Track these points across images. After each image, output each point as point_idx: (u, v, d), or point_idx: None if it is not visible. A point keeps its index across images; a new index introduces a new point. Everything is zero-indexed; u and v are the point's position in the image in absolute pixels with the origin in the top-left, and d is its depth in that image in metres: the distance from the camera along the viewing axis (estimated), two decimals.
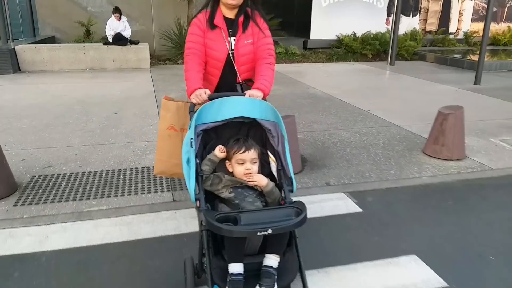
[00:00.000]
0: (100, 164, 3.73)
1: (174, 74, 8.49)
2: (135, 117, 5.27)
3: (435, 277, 2.22)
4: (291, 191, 1.80)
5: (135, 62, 9.16)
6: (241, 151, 1.82)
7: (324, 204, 3.03)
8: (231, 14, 2.24)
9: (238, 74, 2.25)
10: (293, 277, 1.67)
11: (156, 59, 10.54)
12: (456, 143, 3.93)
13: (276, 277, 1.61)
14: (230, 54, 2.22)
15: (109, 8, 10.15)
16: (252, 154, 1.82)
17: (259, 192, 1.81)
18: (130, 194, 3.14)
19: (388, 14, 13.29)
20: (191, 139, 1.79)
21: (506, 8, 15.44)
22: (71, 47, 9.03)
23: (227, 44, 2.22)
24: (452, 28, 14.38)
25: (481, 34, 14.93)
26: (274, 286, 1.59)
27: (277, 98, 6.31)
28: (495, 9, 15.46)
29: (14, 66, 8.36)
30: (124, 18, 9.37)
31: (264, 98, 2.08)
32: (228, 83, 2.26)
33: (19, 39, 11.83)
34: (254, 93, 2.05)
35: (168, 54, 10.75)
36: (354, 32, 12.49)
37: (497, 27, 15.30)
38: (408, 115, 5.54)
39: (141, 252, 2.40)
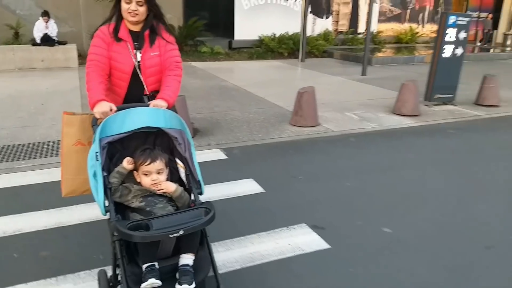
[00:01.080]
0: (27, 139, 4.67)
1: None
2: (60, 106, 6.17)
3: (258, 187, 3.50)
4: (200, 193, 1.95)
5: (63, 61, 9.90)
6: (146, 163, 1.87)
7: (203, 156, 4.23)
8: (136, 28, 2.28)
9: (145, 86, 2.29)
10: (207, 273, 1.83)
11: (85, 58, 11.27)
12: (310, 114, 5.33)
13: (193, 273, 1.73)
14: (136, 67, 2.26)
15: (37, 11, 10.73)
16: (157, 164, 1.88)
17: (169, 198, 1.90)
18: (52, 156, 4.15)
19: (304, 17, 14.96)
20: (96, 152, 1.83)
21: (409, 10, 17.75)
22: (0, 49, 9.58)
23: (133, 57, 2.25)
24: (361, 28, 16.35)
25: (385, 33, 17.20)
26: (192, 282, 1.69)
27: (192, 89, 7.47)
28: (399, 11, 17.83)
29: None
30: (51, 20, 10.06)
31: (170, 108, 2.14)
32: (135, 95, 2.29)
33: None
34: (158, 103, 2.11)
35: None
36: (274, 33, 13.96)
37: (401, 27, 17.59)
38: (293, 99, 6.94)
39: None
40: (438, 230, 2.95)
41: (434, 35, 17.52)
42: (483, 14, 21.87)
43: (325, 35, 14.90)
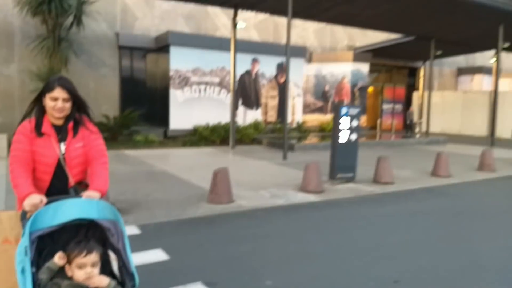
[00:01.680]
0: None
1: None
2: None
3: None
4: (134, 286, 1.95)
5: None
6: (82, 255, 1.84)
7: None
8: (59, 122, 2.33)
9: (70, 177, 2.30)
10: None
11: None
12: (224, 192, 6.04)
13: None
14: (61, 159, 2.27)
15: None
16: (93, 257, 1.86)
17: None
18: None
19: (236, 108, 16.48)
20: (26, 246, 1.79)
21: (329, 103, 20.07)
22: None
23: (57, 149, 2.27)
24: (288, 119, 18.14)
25: (311, 123, 19.11)
26: None
27: (119, 174, 7.96)
28: (321, 103, 20.15)
29: None
30: None
31: (102, 198, 2.16)
32: (58, 187, 2.28)
33: None
34: (91, 194, 2.11)
35: None
36: (207, 123, 15.14)
37: (324, 118, 19.72)
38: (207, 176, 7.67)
39: None
40: (320, 285, 3.59)
41: None
42: (397, 106, 25.24)
43: (255, 125, 16.35)
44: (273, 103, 17.92)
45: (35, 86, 12.33)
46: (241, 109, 16.86)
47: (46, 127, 2.30)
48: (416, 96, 23.63)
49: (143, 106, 15.47)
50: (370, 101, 24.51)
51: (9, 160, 2.24)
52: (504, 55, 26.87)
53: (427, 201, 6.73)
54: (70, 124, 2.33)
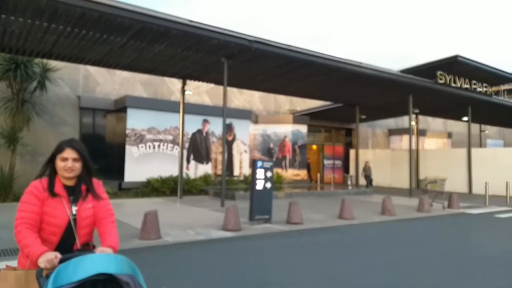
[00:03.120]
0: None
1: None
2: None
3: None
4: None
5: None
6: None
7: None
8: (70, 182, 2.34)
9: (77, 239, 2.29)
10: None
11: None
12: (153, 229, 7.10)
13: None
14: (71, 220, 2.27)
15: None
16: None
17: None
18: None
19: (188, 162, 17.72)
20: None
21: (275, 158, 21.69)
22: None
23: (68, 211, 2.27)
24: (236, 172, 19.50)
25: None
26: None
27: None
28: (267, 159, 21.72)
29: None
30: None
31: None
32: (65, 249, 2.24)
33: None
34: (105, 250, 2.12)
35: None
36: (160, 175, 16.16)
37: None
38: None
39: None
40: None
41: (296, 177, 21.49)
42: (337, 162, 27.32)
43: (205, 177, 17.52)
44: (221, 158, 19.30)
45: None
46: (192, 163, 18.06)
47: (58, 188, 2.30)
48: (352, 153, 25.85)
49: (101, 160, 16.34)
50: (313, 157, 26.57)
51: (16, 221, 2.18)
52: (430, 119, 30.35)
53: (320, 236, 8.06)
54: (83, 186, 2.35)
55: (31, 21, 8.60)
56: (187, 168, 17.70)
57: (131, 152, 16.14)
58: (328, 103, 21.37)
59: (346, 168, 26.86)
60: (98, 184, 2.46)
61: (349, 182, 21.31)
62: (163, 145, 17.06)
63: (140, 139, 16.42)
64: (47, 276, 1.89)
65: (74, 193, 2.33)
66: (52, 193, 2.27)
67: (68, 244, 2.28)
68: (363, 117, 21.67)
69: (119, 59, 11.56)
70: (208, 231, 8.00)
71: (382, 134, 29.02)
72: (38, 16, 8.33)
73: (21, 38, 9.63)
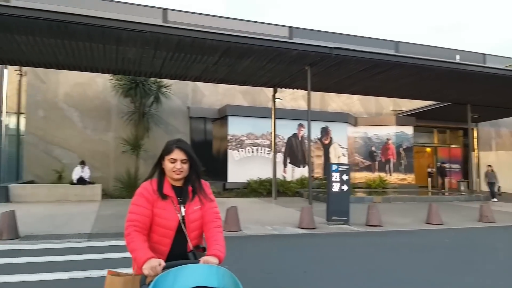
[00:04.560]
0: (61, 231, 7.90)
1: (115, 204, 12.93)
2: (81, 220, 9.53)
3: None
4: None
5: (90, 196, 13.70)
6: None
7: None
8: (178, 183, 2.37)
9: (189, 240, 2.29)
10: None
11: (109, 195, 15.14)
12: (233, 222, 8.46)
13: None
14: (181, 221, 2.28)
15: (78, 160, 15.09)
16: None
17: None
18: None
19: (284, 166, 19.04)
20: None
21: (377, 162, 21.62)
22: (48, 186, 13.60)
23: (178, 212, 2.29)
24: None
25: (359, 180, 20.65)
26: None
27: None
28: (369, 162, 21.77)
29: (5, 197, 12.67)
30: (86, 167, 14.25)
31: (220, 264, 2.11)
32: (178, 251, 2.26)
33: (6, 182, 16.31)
34: (209, 260, 2.09)
35: (118, 192, 15.44)
36: (259, 177, 17.77)
37: (372, 175, 21.20)
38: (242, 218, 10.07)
39: None
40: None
41: (401, 182, 21.05)
42: (454, 165, 25.61)
43: (302, 180, 18.56)
44: (319, 161, 20.09)
45: (125, 149, 16.29)
46: (289, 166, 19.30)
47: (167, 189, 2.33)
48: (473, 155, 23.96)
49: (208, 163, 18.70)
50: (424, 161, 25.34)
51: (126, 223, 2.23)
52: None
53: (392, 238, 8.41)
54: (190, 187, 2.37)
55: (142, 50, 10.85)
56: (284, 171, 18.99)
57: (233, 156, 18.10)
58: (435, 102, 20.42)
59: (465, 172, 24.96)
60: (205, 185, 2.46)
61: (462, 188, 19.98)
62: (261, 149, 18.65)
63: (240, 144, 18.29)
64: (150, 284, 1.87)
65: (182, 194, 2.35)
66: (161, 194, 2.30)
67: (181, 247, 2.28)
68: (476, 115, 20.08)
69: (215, 74, 13.42)
70: (284, 228, 9.05)
71: (509, 134, 26.12)
72: (146, 45, 10.51)
73: (136, 63, 12.12)
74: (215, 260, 2.10)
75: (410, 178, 21.72)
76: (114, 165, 17.06)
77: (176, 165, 2.32)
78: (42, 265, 5.69)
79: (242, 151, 18.31)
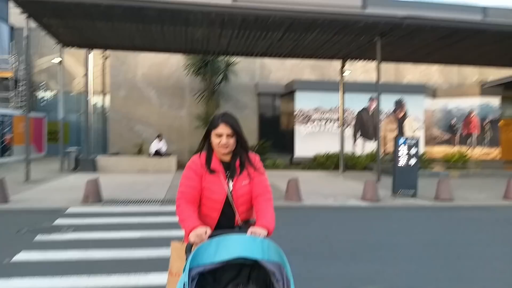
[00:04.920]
0: (140, 197, 8.81)
1: None
2: (158, 186, 10.48)
3: None
4: None
5: (166, 167, 14.84)
6: None
7: None
8: (226, 158, 2.35)
9: (237, 215, 2.29)
10: None
11: (182, 166, 16.28)
12: (294, 194, 8.71)
13: None
14: (229, 196, 2.28)
15: (155, 135, 16.35)
16: None
17: None
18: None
19: (354, 140, 18.73)
20: (185, 283, 1.73)
21: (457, 136, 20.32)
22: (129, 158, 15.01)
23: (225, 186, 2.29)
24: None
25: (436, 155, 19.64)
26: None
27: None
28: (449, 136, 20.53)
29: (94, 168, 14.25)
30: (163, 140, 15.40)
31: (269, 236, 2.07)
32: (225, 225, 2.28)
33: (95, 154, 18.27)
34: (257, 231, 2.04)
35: None
36: (326, 152, 17.74)
37: (452, 149, 20.01)
38: (304, 189, 10.29)
39: None
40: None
41: (485, 157, 19.61)
42: None
43: (372, 155, 18.15)
44: (392, 135, 19.37)
45: (197, 124, 17.24)
46: (359, 140, 18.93)
47: (215, 164, 2.33)
48: None
49: (275, 138, 19.08)
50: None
51: (177, 195, 2.30)
52: None
53: (460, 212, 8.04)
54: (238, 162, 2.34)
55: (208, 30, 11.31)
56: (354, 145, 18.67)
57: (300, 130, 18.22)
58: None
59: None
60: (255, 159, 2.41)
61: None
62: (329, 123, 18.49)
63: (307, 118, 18.30)
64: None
65: (230, 169, 2.33)
66: (209, 169, 2.31)
67: (228, 221, 2.29)
68: None
69: (280, 49, 13.50)
70: (346, 200, 9.10)
71: None
72: (212, 25, 10.94)
73: (204, 42, 12.68)
74: (263, 231, 2.05)
75: (495, 153, 20.09)
76: (188, 138, 18.16)
77: (222, 140, 2.27)
78: (120, 225, 6.49)
79: (309, 126, 18.33)
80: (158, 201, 8.61)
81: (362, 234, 6.24)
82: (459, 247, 5.55)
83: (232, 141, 2.29)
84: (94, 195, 8.31)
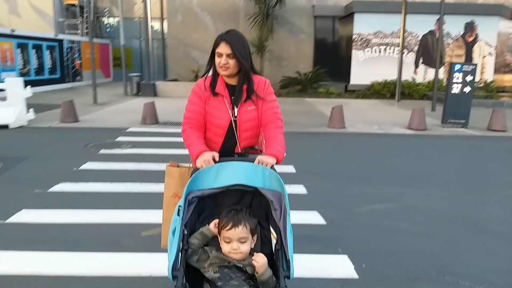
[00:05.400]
0: None
1: None
2: None
3: None
4: (288, 277, 1.61)
5: None
6: (227, 227, 1.67)
7: None
8: (232, 81, 2.22)
9: (238, 142, 2.22)
10: None
11: None
12: (338, 121, 8.90)
13: None
14: (232, 121, 2.19)
15: None
16: (239, 232, 1.66)
17: (249, 275, 1.65)
18: None
19: (416, 67, 17.84)
20: (179, 206, 1.72)
21: None
22: (185, 84, 15.77)
23: (230, 111, 2.20)
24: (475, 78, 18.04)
25: (504, 83, 18.31)
26: None
27: (287, 111, 11.64)
28: None
29: (154, 93, 15.24)
30: None
31: (278, 164, 2.01)
32: (229, 150, 2.22)
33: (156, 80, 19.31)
34: (265, 159, 1.96)
35: None
36: (385, 79, 17.18)
37: None
38: (350, 117, 10.39)
39: None
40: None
41: None
42: None
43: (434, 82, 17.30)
44: (459, 61, 18.12)
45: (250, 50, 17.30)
46: (421, 67, 17.99)
47: (220, 87, 2.22)
48: None
49: (330, 64, 18.69)
50: None
51: (183, 121, 2.26)
52: None
53: (499, 143, 7.81)
54: (244, 86, 2.20)
55: None
56: (415, 72, 17.84)
57: (357, 56, 17.64)
58: None
59: None
60: (265, 84, 2.27)
61: None
62: (389, 48, 17.64)
63: (366, 43, 17.57)
64: None
65: (235, 93, 2.21)
66: (213, 92, 2.21)
67: (230, 146, 2.23)
68: None
69: None
70: (391, 128, 9.13)
71: None
72: None
73: None
74: (271, 160, 1.98)
75: None
76: None
77: (221, 60, 2.13)
78: (172, 143, 7.24)
79: (368, 51, 17.63)
80: None
81: (396, 160, 6.44)
82: (493, 177, 5.59)
83: (232, 62, 2.14)
84: (151, 117, 9.14)
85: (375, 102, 15.06)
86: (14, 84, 8.73)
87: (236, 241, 1.67)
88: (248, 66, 2.18)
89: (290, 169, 5.65)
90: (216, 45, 2.16)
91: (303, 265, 2.93)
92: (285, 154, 2.11)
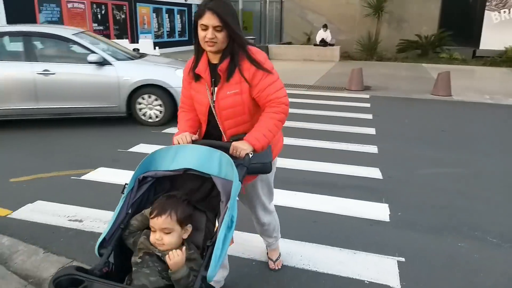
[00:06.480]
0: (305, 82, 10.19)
1: (349, 65, 14.36)
2: (313, 74, 11.56)
3: None
4: (205, 278, 1.42)
5: (329, 56, 15.62)
6: (151, 215, 1.56)
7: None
8: (216, 59, 1.88)
9: (222, 131, 1.96)
10: None
11: (350, 57, 16.70)
12: (443, 88, 8.58)
13: None
14: (212, 107, 1.92)
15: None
16: (162, 222, 1.52)
17: (167, 267, 1.50)
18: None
19: None
20: (125, 184, 1.65)
21: None
22: (296, 47, 16.28)
23: (209, 96, 1.91)
24: None
25: None
26: None
27: (392, 76, 11.40)
28: None
29: (267, 55, 16.10)
30: (328, 30, 15.93)
31: (257, 153, 1.81)
32: (217, 139, 1.97)
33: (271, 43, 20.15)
34: (239, 145, 1.77)
35: (359, 55, 16.80)
36: None
37: None
38: (460, 88, 9.80)
39: None
40: None
41: None
42: None
43: None
44: None
45: (367, 12, 16.91)
46: None
47: (200, 67, 1.89)
48: None
49: (458, 27, 17.14)
50: None
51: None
52: None
53: None
54: (223, 64, 1.83)
55: None
56: None
57: (491, 17, 15.89)
58: None
59: None
60: (259, 58, 1.88)
61: None
62: None
63: (503, 3, 15.63)
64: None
65: (215, 74, 1.88)
66: (194, 74, 1.93)
67: (216, 135, 1.99)
68: None
69: None
70: (505, 98, 8.44)
71: None
72: None
73: None
74: (246, 146, 1.77)
75: None
76: (358, 28, 18.02)
77: (207, 34, 1.76)
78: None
79: (505, 11, 15.69)
80: (306, 86, 9.76)
81: (489, 130, 6.16)
82: None
83: (221, 36, 1.77)
84: None
85: (505, 71, 13.58)
86: (146, 44, 10.42)
87: (159, 231, 1.53)
88: (244, 39, 1.86)
89: (370, 131, 5.94)
90: (198, 15, 1.78)
91: (343, 206, 3.44)
92: (270, 143, 1.90)
